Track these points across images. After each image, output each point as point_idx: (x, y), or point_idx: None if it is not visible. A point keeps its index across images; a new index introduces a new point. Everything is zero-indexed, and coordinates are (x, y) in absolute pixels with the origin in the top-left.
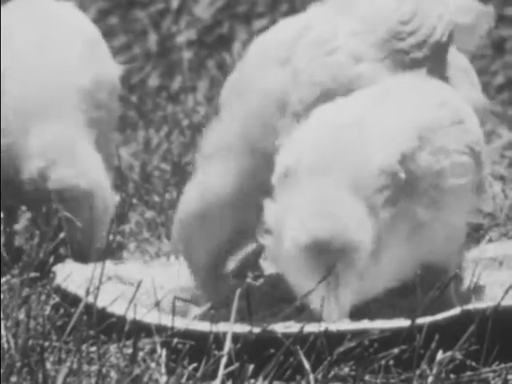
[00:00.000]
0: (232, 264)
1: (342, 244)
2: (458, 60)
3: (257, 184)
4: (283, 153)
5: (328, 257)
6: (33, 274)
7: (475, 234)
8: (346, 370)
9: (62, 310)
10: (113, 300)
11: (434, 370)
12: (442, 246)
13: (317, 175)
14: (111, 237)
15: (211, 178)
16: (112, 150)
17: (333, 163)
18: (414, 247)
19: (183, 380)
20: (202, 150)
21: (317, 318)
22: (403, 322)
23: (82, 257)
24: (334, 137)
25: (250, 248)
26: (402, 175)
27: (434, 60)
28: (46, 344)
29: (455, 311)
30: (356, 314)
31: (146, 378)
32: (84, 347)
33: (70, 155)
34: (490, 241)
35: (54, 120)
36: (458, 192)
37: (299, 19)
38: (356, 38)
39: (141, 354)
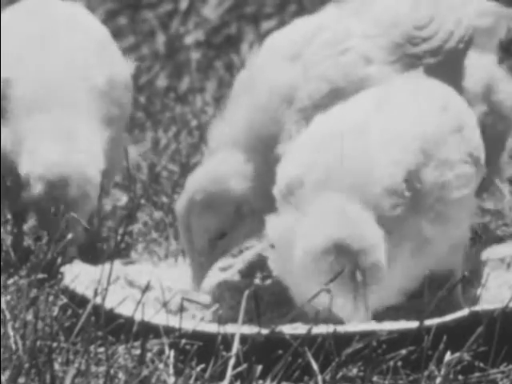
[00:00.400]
0: (240, 264)
1: (361, 246)
2: None
3: (264, 173)
4: (285, 163)
5: (346, 259)
6: (41, 275)
7: (484, 236)
8: (355, 370)
9: (69, 311)
10: (121, 301)
11: (442, 371)
12: (446, 257)
13: (323, 190)
14: (119, 237)
15: (218, 167)
16: (122, 149)
17: (338, 178)
18: (418, 261)
19: (191, 381)
20: (208, 145)
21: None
22: (411, 324)
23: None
24: (336, 148)
25: (258, 248)
26: (407, 194)
27: (448, 65)
28: (54, 345)
29: (463, 313)
30: None
31: (154, 379)
32: (92, 348)
33: (60, 137)
34: (499, 242)
35: (57, 110)
36: (461, 203)
37: (313, 19)
38: (368, 40)
39: (149, 355)
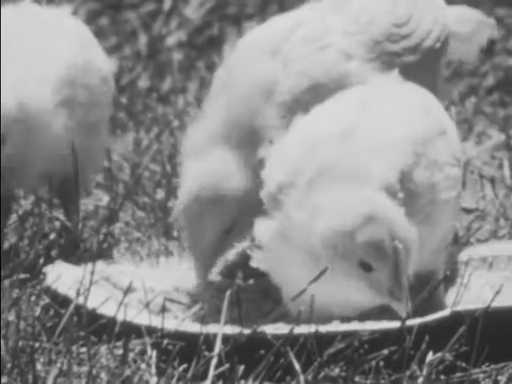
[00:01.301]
0: (221, 265)
1: (395, 216)
2: None
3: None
4: (271, 167)
5: (383, 230)
6: (23, 275)
7: (465, 235)
8: (337, 370)
9: (52, 311)
10: (103, 301)
11: (424, 371)
12: (430, 258)
13: (316, 190)
14: (101, 237)
15: (215, 164)
16: (101, 149)
17: (331, 179)
18: None
19: (173, 381)
20: (188, 144)
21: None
22: (393, 324)
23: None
24: (326, 149)
25: (238, 248)
26: (401, 195)
27: (425, 65)
28: (36, 345)
29: (445, 312)
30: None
31: (136, 379)
32: (74, 348)
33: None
34: (480, 241)
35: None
36: (448, 205)
37: (292, 16)
38: (347, 36)
39: (131, 355)
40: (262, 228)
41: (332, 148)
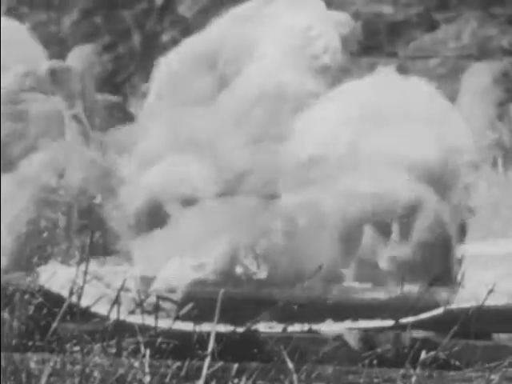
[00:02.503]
0: (213, 263)
1: None
2: None
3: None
4: (300, 141)
5: None
6: (17, 274)
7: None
8: (330, 369)
9: (45, 310)
10: (96, 300)
11: (418, 370)
12: None
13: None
14: (95, 235)
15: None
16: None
17: (365, 159)
18: None
19: (167, 379)
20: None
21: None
22: (387, 322)
23: None
24: (356, 128)
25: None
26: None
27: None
28: (30, 344)
29: (438, 311)
30: (340, 313)
31: (129, 378)
32: (67, 347)
33: None
34: (474, 239)
35: None
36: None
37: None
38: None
39: (124, 353)
40: (291, 201)
41: (362, 128)
